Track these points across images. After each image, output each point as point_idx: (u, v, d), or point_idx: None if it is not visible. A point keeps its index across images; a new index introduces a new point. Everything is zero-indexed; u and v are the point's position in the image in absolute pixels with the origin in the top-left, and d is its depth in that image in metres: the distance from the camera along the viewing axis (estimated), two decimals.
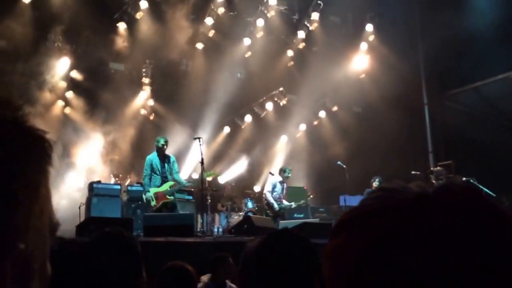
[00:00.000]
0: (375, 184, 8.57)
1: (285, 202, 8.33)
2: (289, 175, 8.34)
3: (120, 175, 9.62)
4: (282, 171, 8.34)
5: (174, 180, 7.08)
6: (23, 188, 0.41)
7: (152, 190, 6.97)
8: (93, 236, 1.56)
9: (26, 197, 0.42)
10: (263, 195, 8.35)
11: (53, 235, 0.47)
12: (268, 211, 8.08)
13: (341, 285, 0.48)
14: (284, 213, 8.37)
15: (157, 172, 7.02)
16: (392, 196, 0.48)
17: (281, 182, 8.27)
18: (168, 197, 6.98)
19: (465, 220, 0.44)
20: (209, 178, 8.23)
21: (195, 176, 9.60)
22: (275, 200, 8.09)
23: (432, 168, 9.64)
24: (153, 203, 6.92)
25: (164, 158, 7.10)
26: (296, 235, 1.50)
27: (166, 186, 7.00)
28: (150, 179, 7.03)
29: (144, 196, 7.08)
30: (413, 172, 9.09)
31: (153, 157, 7.10)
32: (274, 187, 8.19)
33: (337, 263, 0.48)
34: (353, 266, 0.46)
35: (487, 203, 0.46)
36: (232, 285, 3.90)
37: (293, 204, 8.49)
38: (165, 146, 7.06)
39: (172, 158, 7.26)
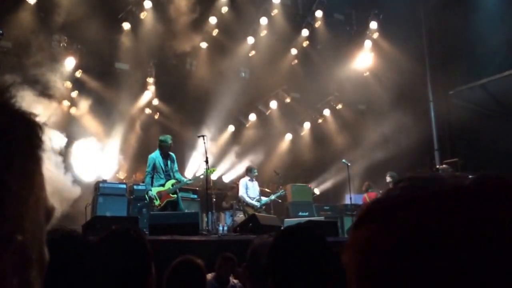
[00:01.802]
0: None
1: (263, 198, 8.63)
2: (256, 172, 8.65)
3: (126, 174, 9.66)
4: (249, 171, 8.65)
5: (175, 178, 7.11)
6: (16, 178, 0.39)
7: (155, 189, 6.99)
8: (102, 234, 1.56)
9: (21, 187, 0.40)
10: (240, 198, 8.53)
11: (49, 221, 0.45)
12: (248, 212, 8.19)
13: (371, 278, 0.44)
14: (265, 208, 8.65)
15: (161, 171, 7.04)
16: (424, 187, 0.45)
17: (251, 181, 8.55)
18: (172, 195, 7.01)
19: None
20: (214, 177, 8.26)
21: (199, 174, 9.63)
22: (252, 199, 8.38)
23: (438, 166, 9.59)
24: (157, 202, 6.93)
25: (167, 156, 7.13)
26: (310, 232, 1.48)
27: (168, 185, 7.03)
28: (152, 178, 7.05)
29: (146, 196, 7.11)
30: (418, 170, 9.05)
31: (156, 156, 7.10)
32: (247, 188, 8.46)
33: (366, 256, 0.45)
34: (387, 259, 0.43)
35: None
36: (235, 281, 3.92)
37: (272, 197, 8.85)
38: (172, 145, 7.11)
39: (174, 157, 7.29)
